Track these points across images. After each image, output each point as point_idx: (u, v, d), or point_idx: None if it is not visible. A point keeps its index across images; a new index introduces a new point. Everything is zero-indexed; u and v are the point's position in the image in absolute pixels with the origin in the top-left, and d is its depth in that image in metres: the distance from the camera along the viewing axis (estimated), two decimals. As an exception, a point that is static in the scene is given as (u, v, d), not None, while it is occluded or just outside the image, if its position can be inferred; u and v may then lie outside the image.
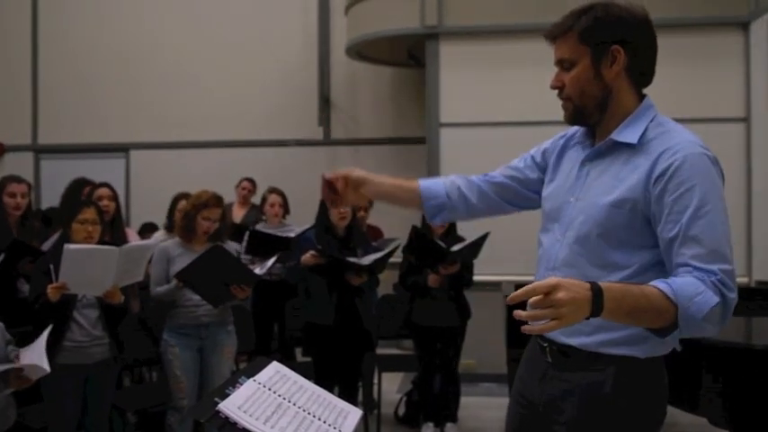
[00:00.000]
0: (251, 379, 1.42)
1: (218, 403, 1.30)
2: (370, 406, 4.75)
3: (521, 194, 1.93)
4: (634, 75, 1.67)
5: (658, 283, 1.46)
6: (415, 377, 4.87)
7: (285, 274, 5.03)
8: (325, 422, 1.42)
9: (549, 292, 1.35)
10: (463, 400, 4.73)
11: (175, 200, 4.82)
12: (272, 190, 5.45)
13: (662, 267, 1.58)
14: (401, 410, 4.92)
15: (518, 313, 1.37)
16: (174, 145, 8.05)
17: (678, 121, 1.68)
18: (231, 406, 1.30)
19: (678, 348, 1.65)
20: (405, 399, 4.93)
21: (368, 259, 3.90)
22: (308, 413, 1.42)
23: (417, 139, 7.04)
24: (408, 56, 7.02)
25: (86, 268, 3.14)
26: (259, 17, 7.96)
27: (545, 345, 1.74)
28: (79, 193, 4.50)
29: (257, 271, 3.80)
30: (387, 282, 5.32)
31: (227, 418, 1.28)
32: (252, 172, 6.73)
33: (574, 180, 1.74)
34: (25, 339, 2.90)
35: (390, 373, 5.10)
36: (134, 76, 8.15)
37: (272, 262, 3.93)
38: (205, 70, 7.99)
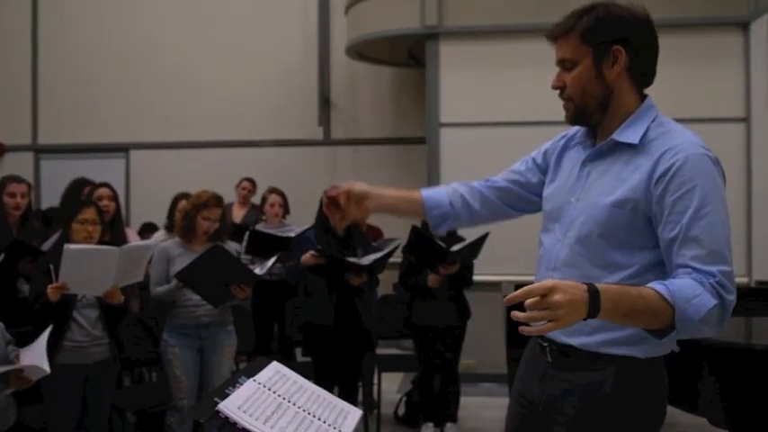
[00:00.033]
0: (251, 379, 1.42)
1: (218, 403, 1.30)
2: (370, 406, 4.75)
3: (523, 198, 1.92)
4: (635, 75, 1.67)
5: (656, 285, 1.47)
6: (415, 377, 4.87)
7: (285, 274, 5.03)
8: (325, 422, 1.42)
9: (545, 294, 1.36)
10: (463, 400, 4.73)
11: (176, 200, 4.81)
12: (272, 190, 5.45)
13: (663, 268, 1.58)
14: (401, 410, 4.92)
15: (516, 314, 1.38)
16: (174, 145, 8.06)
17: (678, 121, 1.68)
18: (231, 406, 1.30)
19: (676, 350, 1.65)
20: (405, 399, 4.93)
21: (368, 259, 3.90)
22: (308, 413, 1.42)
23: (417, 139, 7.04)
24: (408, 56, 7.02)
25: (86, 268, 3.13)
26: (259, 17, 7.97)
27: (545, 344, 1.74)
28: (79, 193, 4.50)
29: (257, 271, 3.80)
30: (387, 282, 5.32)
31: (227, 418, 1.28)
32: (252, 172, 6.73)
33: (575, 180, 1.74)
34: (25, 339, 2.90)
35: (390, 373, 5.10)
36: (134, 76, 8.15)
37: (272, 262, 3.93)
38: (205, 70, 7.99)
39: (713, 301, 1.45)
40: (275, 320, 5.33)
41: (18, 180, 4.30)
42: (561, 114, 1.75)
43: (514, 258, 5.12)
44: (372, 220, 5.42)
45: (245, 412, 1.31)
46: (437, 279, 4.38)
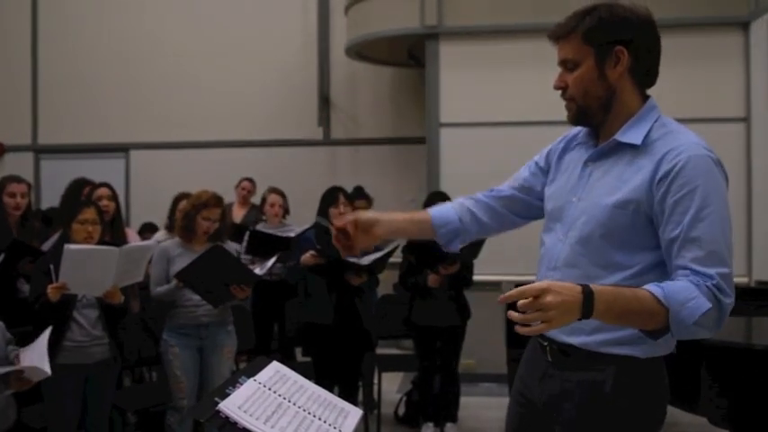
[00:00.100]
0: (251, 379, 1.43)
1: (218, 403, 1.30)
2: (370, 406, 4.75)
3: (530, 204, 1.91)
4: (638, 75, 1.67)
5: (651, 287, 1.48)
6: (415, 377, 4.86)
7: (285, 274, 5.03)
8: (325, 422, 1.42)
9: (538, 295, 1.37)
10: (463, 400, 4.72)
11: (176, 200, 4.81)
12: (272, 190, 5.45)
13: (664, 268, 1.58)
14: (401, 410, 4.92)
15: (511, 314, 1.40)
16: (174, 145, 8.06)
17: (678, 120, 1.68)
18: (231, 406, 1.31)
19: (674, 351, 1.65)
20: (405, 399, 4.93)
21: (367, 259, 3.90)
22: (308, 413, 1.42)
23: (417, 139, 7.04)
24: (408, 56, 7.02)
25: (86, 268, 3.13)
26: (259, 17, 7.97)
27: (545, 344, 1.74)
28: (79, 193, 4.50)
29: (257, 271, 3.80)
30: (387, 282, 5.32)
31: (227, 417, 1.28)
32: (252, 172, 6.73)
33: (576, 180, 1.74)
34: (25, 339, 2.90)
35: (390, 373, 5.10)
36: (134, 76, 8.15)
37: (272, 262, 3.93)
38: (205, 70, 7.99)
39: (707, 305, 1.45)
40: (275, 320, 5.32)
41: (18, 180, 4.29)
42: (562, 114, 1.75)
43: (514, 258, 5.11)
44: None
45: (245, 412, 1.31)
46: (437, 279, 4.38)
